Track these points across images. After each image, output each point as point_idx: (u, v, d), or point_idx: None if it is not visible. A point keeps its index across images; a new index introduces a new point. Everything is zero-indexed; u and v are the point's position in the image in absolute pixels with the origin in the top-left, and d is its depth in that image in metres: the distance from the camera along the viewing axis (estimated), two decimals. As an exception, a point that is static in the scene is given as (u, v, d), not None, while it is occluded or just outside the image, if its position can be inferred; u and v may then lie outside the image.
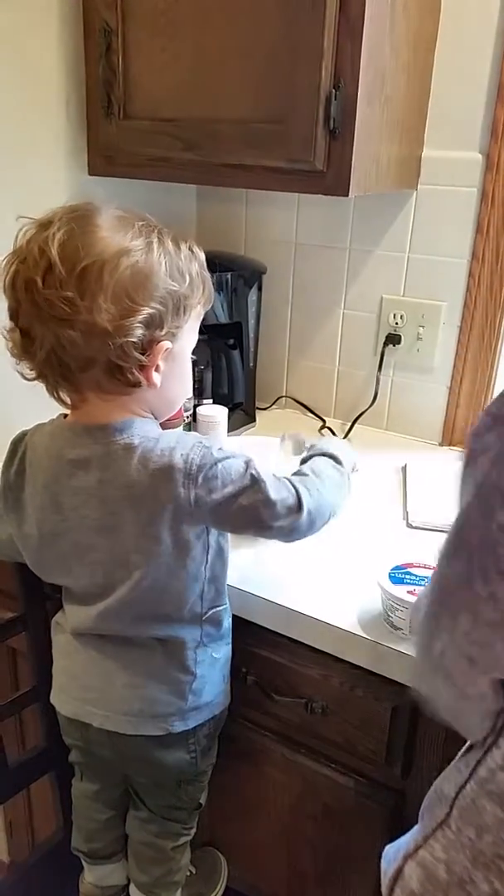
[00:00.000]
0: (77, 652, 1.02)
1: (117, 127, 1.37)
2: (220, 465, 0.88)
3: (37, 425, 0.98)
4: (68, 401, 0.92)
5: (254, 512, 0.89)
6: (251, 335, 1.61)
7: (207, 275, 0.94)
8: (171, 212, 1.69)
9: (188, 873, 1.20)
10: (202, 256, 0.93)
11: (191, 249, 0.91)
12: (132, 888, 1.16)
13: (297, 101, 1.17)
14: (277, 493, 0.91)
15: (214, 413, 1.41)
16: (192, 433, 0.93)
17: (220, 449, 0.91)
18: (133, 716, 0.99)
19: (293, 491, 0.93)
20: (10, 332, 0.87)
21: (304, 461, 1.05)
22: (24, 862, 1.33)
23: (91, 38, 1.35)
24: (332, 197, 1.23)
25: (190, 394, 1.01)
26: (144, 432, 0.90)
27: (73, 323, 0.82)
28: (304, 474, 0.98)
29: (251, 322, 1.59)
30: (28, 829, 1.60)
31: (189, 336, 0.94)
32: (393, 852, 0.66)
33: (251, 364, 1.63)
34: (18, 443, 0.98)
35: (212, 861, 1.28)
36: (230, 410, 1.49)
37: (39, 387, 0.92)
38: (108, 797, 1.14)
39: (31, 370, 0.89)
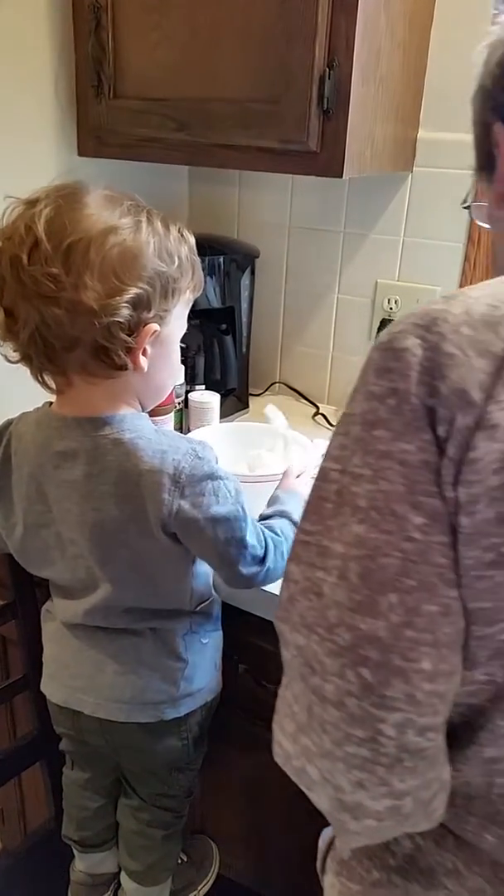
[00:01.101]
0: (67, 640, 1.01)
1: (107, 106, 1.34)
2: (210, 484, 0.86)
3: (22, 414, 0.96)
4: (53, 385, 0.90)
5: (225, 546, 0.88)
6: (244, 320, 1.59)
7: (197, 259, 0.92)
8: (163, 194, 1.67)
9: (180, 861, 1.20)
10: (192, 240, 0.91)
11: (180, 232, 0.90)
12: (123, 876, 1.16)
13: (291, 81, 1.15)
14: (252, 538, 0.90)
15: (207, 399, 1.39)
16: (188, 437, 0.91)
17: (212, 463, 0.88)
18: (124, 703, 0.99)
19: (263, 543, 0.92)
20: None
21: (265, 517, 1.01)
22: (16, 850, 1.32)
23: (80, 14, 1.32)
24: (326, 179, 1.21)
25: (178, 381, 0.99)
26: (136, 427, 0.88)
27: (58, 300, 0.80)
28: (276, 533, 0.96)
29: (244, 307, 1.57)
30: (20, 817, 1.60)
31: (177, 321, 0.92)
32: (328, 829, 0.70)
33: (244, 349, 1.62)
34: (3, 431, 0.96)
35: (203, 849, 1.28)
36: (223, 396, 1.47)
37: (22, 375, 0.89)
38: (99, 785, 1.13)
39: (14, 351, 0.87)
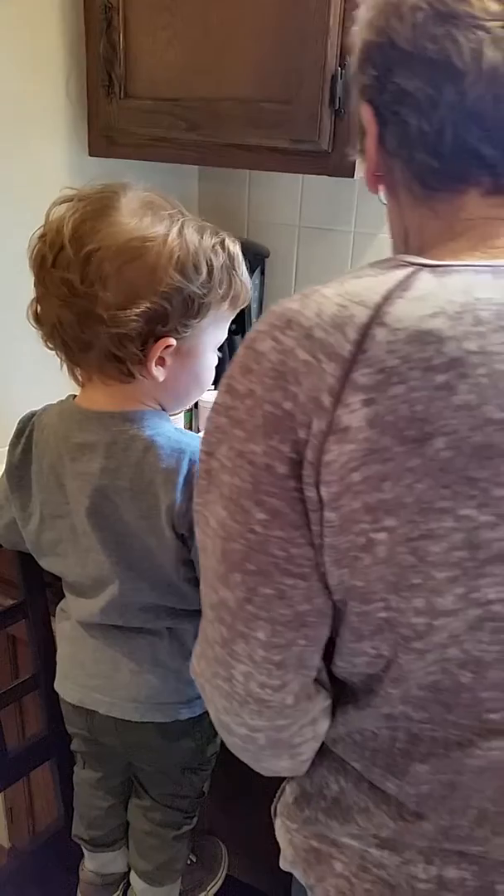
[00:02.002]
0: (83, 639, 1.02)
1: (118, 106, 1.34)
2: None
3: (46, 405, 0.97)
4: (79, 378, 0.92)
5: None
6: (253, 320, 1.59)
7: (239, 271, 0.90)
8: (172, 193, 1.64)
9: (189, 861, 1.20)
10: (234, 251, 0.89)
11: (221, 244, 0.87)
12: (132, 876, 1.15)
13: (303, 81, 1.15)
14: None
15: (216, 399, 1.39)
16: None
17: None
18: (140, 702, 0.99)
19: None
20: (32, 301, 0.89)
21: None
22: (25, 848, 1.33)
23: (91, 14, 1.32)
24: (336, 179, 1.21)
25: (207, 390, 0.99)
26: (156, 426, 0.88)
27: (70, 305, 0.82)
28: None
29: (253, 307, 1.57)
30: (28, 815, 1.60)
31: (207, 334, 0.90)
32: (284, 783, 0.79)
33: (253, 349, 1.61)
34: (27, 422, 0.97)
35: (212, 849, 1.28)
36: (232, 396, 1.47)
37: (43, 369, 0.91)
38: (111, 785, 1.13)
39: (44, 339, 0.90)
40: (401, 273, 0.54)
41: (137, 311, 0.81)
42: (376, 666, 0.60)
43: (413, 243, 0.63)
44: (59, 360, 0.92)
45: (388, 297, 0.52)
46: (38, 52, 1.33)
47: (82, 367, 0.89)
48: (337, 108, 1.14)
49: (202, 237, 0.86)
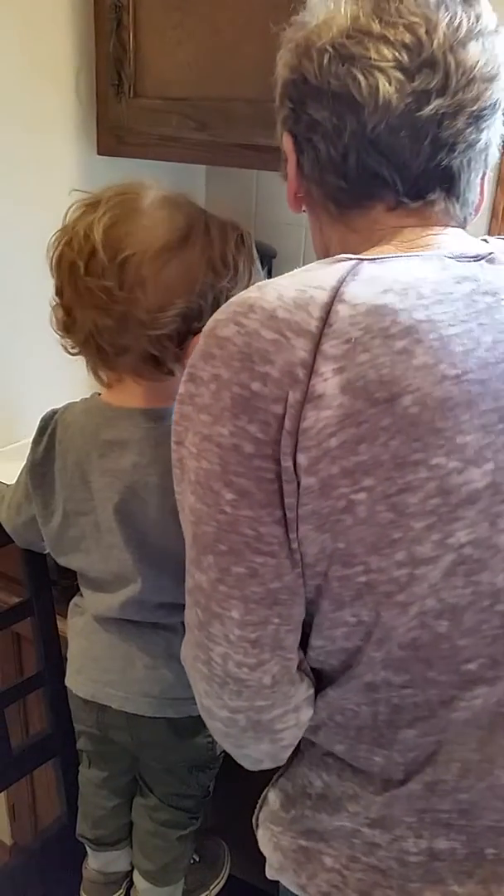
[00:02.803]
0: (97, 634, 1.02)
1: (127, 105, 1.34)
2: None
3: (68, 403, 0.98)
4: (105, 379, 0.92)
5: None
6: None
7: (256, 265, 0.92)
8: (179, 192, 1.66)
9: (192, 861, 1.20)
10: (249, 242, 0.92)
11: (241, 239, 0.90)
12: (136, 875, 1.16)
13: (313, 81, 1.15)
14: None
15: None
16: None
17: None
18: (153, 697, 0.99)
19: None
20: (55, 308, 0.89)
21: None
22: (28, 846, 1.33)
23: (101, 13, 1.32)
24: (345, 180, 1.20)
25: None
26: None
27: (109, 311, 0.83)
28: None
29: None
30: (31, 813, 1.60)
31: None
32: (265, 791, 0.81)
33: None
34: (49, 420, 0.98)
35: (215, 849, 1.28)
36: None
37: (50, 367, 0.91)
38: (116, 785, 1.13)
39: (72, 347, 0.90)
40: (347, 264, 0.61)
41: (176, 311, 0.84)
42: (355, 636, 0.64)
43: (336, 254, 0.67)
44: (63, 358, 0.92)
45: (341, 281, 0.59)
46: (47, 51, 1.33)
47: (116, 370, 0.90)
48: (347, 108, 1.14)
49: (226, 232, 0.88)
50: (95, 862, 1.17)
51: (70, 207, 0.87)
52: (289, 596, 0.63)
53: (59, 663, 1.23)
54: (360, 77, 0.62)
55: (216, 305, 0.85)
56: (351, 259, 0.62)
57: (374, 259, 0.62)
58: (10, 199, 1.32)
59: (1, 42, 1.26)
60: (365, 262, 0.61)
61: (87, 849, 1.18)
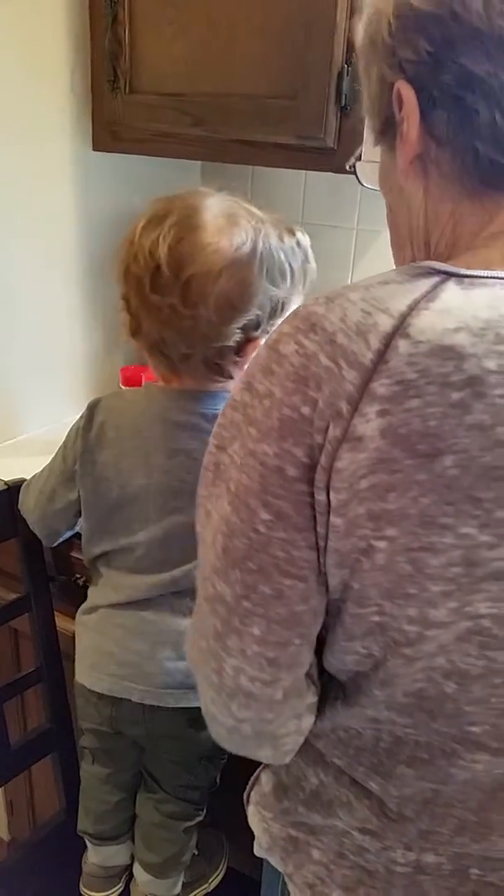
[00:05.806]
0: (112, 629, 1.03)
1: (123, 101, 1.34)
2: None
3: (113, 392, 1.04)
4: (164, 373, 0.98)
5: None
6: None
7: (311, 265, 0.97)
8: (174, 188, 1.65)
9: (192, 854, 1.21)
10: (305, 243, 0.96)
11: (298, 242, 0.94)
12: (137, 868, 1.16)
13: (309, 77, 1.15)
14: None
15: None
16: None
17: None
18: (174, 688, 1.00)
19: None
20: (121, 313, 0.95)
21: None
22: (26, 841, 1.33)
23: (97, 8, 1.32)
24: (339, 175, 1.21)
25: None
26: None
27: (173, 325, 0.89)
28: None
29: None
30: (29, 808, 1.61)
31: None
32: (258, 770, 0.80)
33: (256, 345, 1.62)
34: (94, 408, 1.01)
35: (214, 842, 1.29)
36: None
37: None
38: (120, 780, 1.14)
39: (139, 347, 0.96)
40: (428, 282, 0.53)
41: (237, 325, 0.89)
42: (365, 665, 0.61)
43: (438, 243, 0.61)
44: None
45: (413, 307, 0.52)
46: (42, 47, 1.32)
47: (178, 373, 0.96)
48: (343, 105, 1.14)
49: (283, 241, 0.92)
50: (96, 856, 1.18)
51: (137, 221, 0.91)
52: (312, 618, 0.61)
53: (57, 659, 1.24)
54: None
55: (273, 313, 0.92)
56: (436, 274, 0.54)
57: (465, 276, 0.53)
58: (5, 194, 1.32)
59: (-4, 37, 1.26)
60: (451, 280, 0.53)
61: (88, 843, 1.18)
